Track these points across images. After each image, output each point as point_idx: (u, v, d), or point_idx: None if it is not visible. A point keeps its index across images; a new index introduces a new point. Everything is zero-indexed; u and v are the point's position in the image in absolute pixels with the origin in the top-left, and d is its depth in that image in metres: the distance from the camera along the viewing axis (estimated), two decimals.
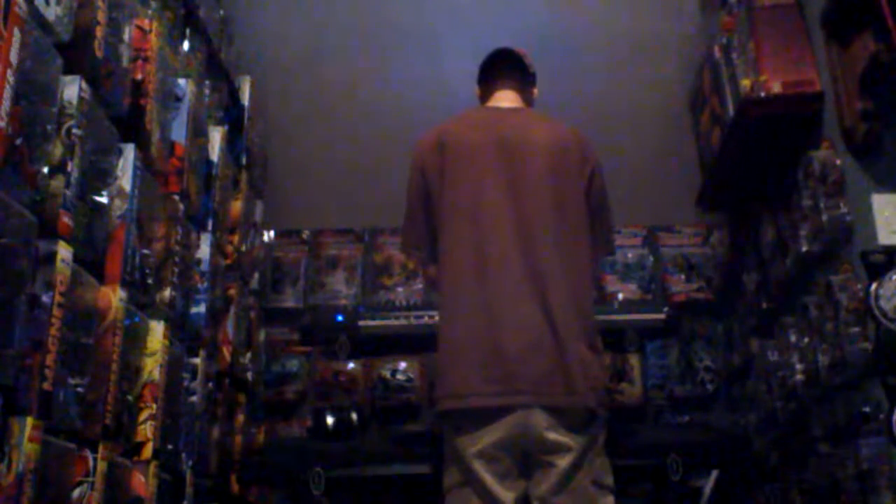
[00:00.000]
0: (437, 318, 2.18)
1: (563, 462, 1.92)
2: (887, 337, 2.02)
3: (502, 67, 2.31)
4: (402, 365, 3.51)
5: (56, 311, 1.45)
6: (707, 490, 2.49)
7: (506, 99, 2.29)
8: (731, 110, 2.74)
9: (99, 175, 1.70)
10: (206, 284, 2.41)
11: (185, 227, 2.24)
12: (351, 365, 3.52)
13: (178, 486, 2.13)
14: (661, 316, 3.03)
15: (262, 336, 3.46)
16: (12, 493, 1.30)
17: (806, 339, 2.53)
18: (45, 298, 1.43)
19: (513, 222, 2.05)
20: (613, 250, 2.40)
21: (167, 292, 2.06)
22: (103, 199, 1.71)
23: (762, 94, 2.48)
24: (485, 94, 2.35)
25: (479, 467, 1.92)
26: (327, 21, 3.42)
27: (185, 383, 2.22)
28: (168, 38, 2.21)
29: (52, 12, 1.50)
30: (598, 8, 3.40)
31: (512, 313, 1.98)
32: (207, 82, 2.67)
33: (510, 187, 2.09)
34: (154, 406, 1.91)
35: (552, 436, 1.91)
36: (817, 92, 2.44)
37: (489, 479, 1.92)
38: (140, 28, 1.96)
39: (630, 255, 3.68)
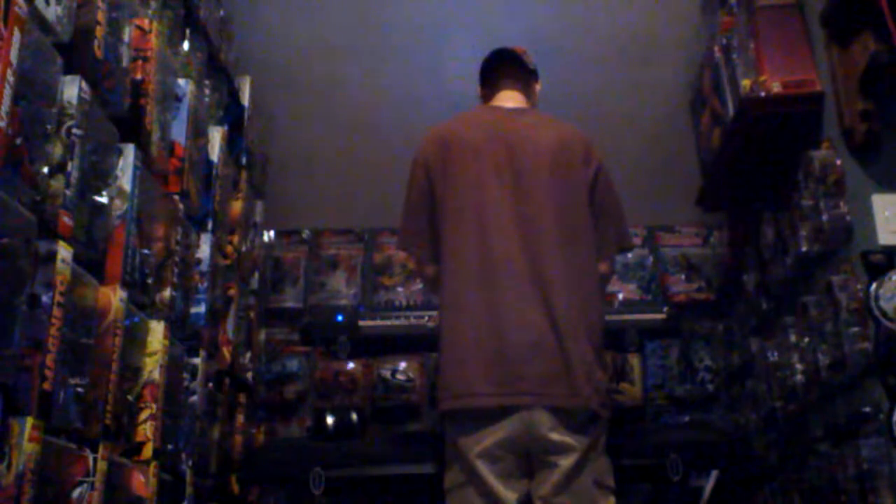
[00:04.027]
0: (437, 318, 2.18)
1: (566, 462, 1.92)
2: (887, 337, 2.02)
3: (503, 67, 2.31)
4: (402, 365, 3.51)
5: (56, 311, 1.45)
6: (707, 490, 2.49)
7: (509, 99, 2.29)
8: (731, 110, 2.74)
9: (99, 175, 1.70)
10: (206, 284, 2.40)
11: (185, 227, 2.24)
12: (351, 365, 3.52)
13: (178, 486, 2.13)
14: (661, 316, 3.04)
15: (262, 336, 3.46)
16: (12, 493, 1.30)
17: (806, 339, 2.53)
18: (45, 298, 1.43)
19: (516, 223, 2.05)
20: (631, 244, 2.36)
21: (167, 292, 2.06)
22: (103, 199, 1.71)
23: (762, 94, 2.49)
24: (487, 95, 2.35)
25: (482, 467, 1.92)
26: (327, 21, 3.42)
27: (185, 383, 2.22)
28: (168, 38, 2.21)
29: (52, 12, 1.50)
30: (598, 8, 3.40)
31: (515, 314, 1.97)
32: (207, 82, 2.67)
33: (514, 188, 2.09)
34: (154, 406, 1.91)
35: (555, 436, 1.91)
36: (817, 92, 2.44)
37: (492, 478, 1.92)
38: (140, 28, 1.96)
39: (630, 255, 3.68)
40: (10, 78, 1.31)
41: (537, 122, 2.24)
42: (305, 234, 3.80)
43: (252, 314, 3.19)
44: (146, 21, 1.99)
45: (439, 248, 2.13)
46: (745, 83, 2.55)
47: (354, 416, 2.78)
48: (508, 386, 1.93)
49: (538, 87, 2.37)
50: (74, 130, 1.55)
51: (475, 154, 2.14)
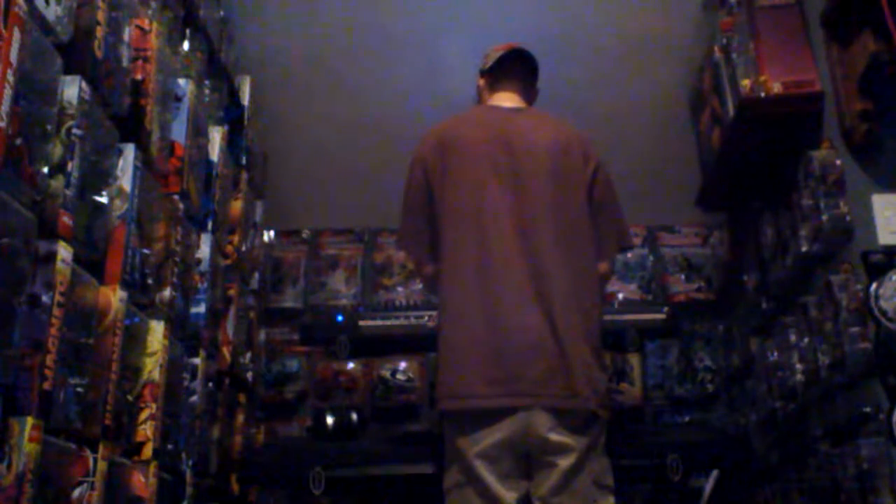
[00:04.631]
0: (437, 317, 2.18)
1: (565, 462, 1.92)
2: (887, 337, 2.02)
3: (513, 68, 2.31)
4: (402, 365, 3.51)
5: (56, 311, 1.45)
6: (707, 490, 2.49)
7: (508, 99, 2.29)
8: (731, 110, 2.73)
9: (99, 175, 1.70)
10: (206, 284, 2.40)
11: (185, 227, 2.24)
12: (351, 365, 3.53)
13: (178, 486, 2.13)
14: (661, 316, 3.03)
15: (262, 336, 3.46)
16: (12, 493, 1.30)
17: (806, 339, 2.53)
18: (45, 298, 1.43)
19: (514, 223, 2.05)
20: (630, 242, 2.37)
21: (167, 292, 2.06)
22: (103, 199, 1.71)
23: (762, 94, 2.48)
24: (488, 90, 2.33)
25: (481, 468, 1.92)
26: (327, 21, 3.42)
27: (185, 383, 2.22)
28: (168, 38, 2.21)
29: (52, 12, 1.50)
30: (598, 8, 3.40)
31: (514, 315, 1.98)
32: (207, 82, 2.67)
33: (512, 188, 2.09)
34: (154, 406, 1.90)
35: (554, 437, 1.92)
36: (817, 92, 2.44)
37: (491, 479, 1.92)
38: (140, 28, 1.96)
39: (630, 255, 3.68)
40: (10, 78, 1.31)
41: (536, 121, 2.24)
42: (305, 234, 3.80)
43: (252, 314, 3.19)
44: (146, 21, 1.98)
45: (438, 248, 2.13)
46: (745, 83, 2.55)
47: (354, 416, 2.78)
48: (507, 386, 1.93)
49: (537, 87, 2.38)
50: (74, 130, 1.55)
51: (474, 154, 2.14)
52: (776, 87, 2.46)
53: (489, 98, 2.32)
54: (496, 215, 2.07)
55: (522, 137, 2.16)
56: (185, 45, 2.48)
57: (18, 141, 1.36)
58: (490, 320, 1.98)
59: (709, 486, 2.50)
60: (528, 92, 2.33)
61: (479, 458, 1.92)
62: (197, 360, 2.31)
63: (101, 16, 1.68)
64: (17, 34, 1.33)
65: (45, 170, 1.47)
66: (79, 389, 1.54)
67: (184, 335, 2.23)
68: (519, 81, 2.31)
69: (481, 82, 2.36)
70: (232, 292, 2.82)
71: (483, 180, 2.10)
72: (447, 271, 2.09)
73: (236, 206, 2.95)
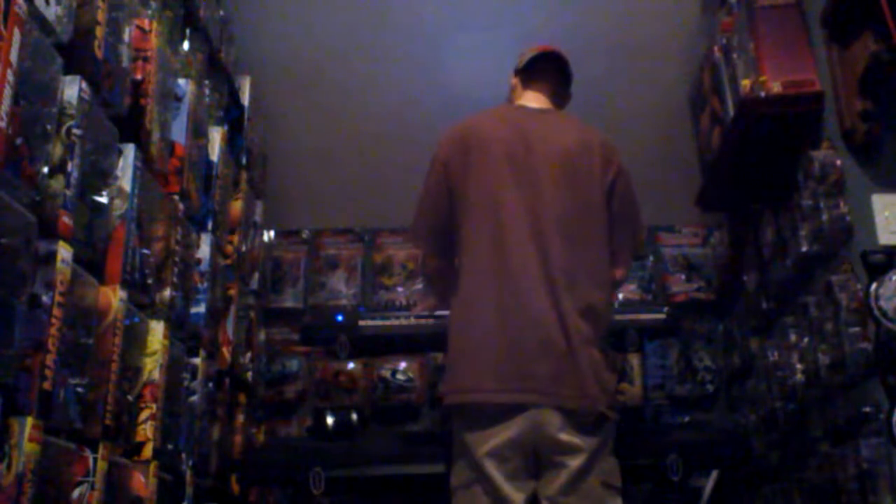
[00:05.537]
0: (449, 311, 2.17)
1: (575, 463, 1.91)
2: (887, 337, 2.02)
3: (544, 70, 2.30)
4: (402, 365, 3.51)
5: (56, 311, 1.45)
6: (707, 490, 2.49)
7: (536, 100, 2.28)
8: (731, 110, 2.74)
9: (99, 175, 1.70)
10: (206, 284, 2.41)
11: (185, 227, 2.24)
12: (351, 365, 3.52)
13: (178, 486, 2.13)
14: (661, 316, 3.03)
15: (262, 336, 3.47)
16: (12, 493, 1.30)
17: (806, 339, 2.53)
18: (45, 298, 1.43)
19: (530, 223, 2.05)
20: (642, 251, 2.38)
21: (167, 292, 2.06)
22: (103, 199, 1.71)
23: (762, 94, 2.48)
24: (520, 88, 2.33)
25: (490, 466, 1.92)
26: (327, 21, 3.42)
27: (185, 383, 2.22)
28: (168, 38, 2.21)
29: (52, 12, 1.50)
30: (598, 8, 3.40)
31: (526, 314, 1.98)
32: (207, 82, 2.67)
33: (529, 188, 2.09)
34: (154, 406, 1.91)
35: (564, 436, 1.91)
36: (817, 92, 2.44)
37: (499, 478, 1.91)
38: (140, 28, 1.96)
39: None
40: (10, 78, 1.31)
41: (559, 123, 2.24)
42: (305, 234, 3.81)
43: (252, 314, 3.19)
44: (146, 21, 1.99)
45: (455, 244, 2.14)
46: (745, 83, 2.55)
47: (354, 416, 2.78)
48: (517, 383, 1.92)
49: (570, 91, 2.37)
50: (74, 130, 1.55)
51: (494, 153, 2.14)
52: (776, 87, 2.46)
53: (519, 97, 2.32)
54: (513, 215, 2.06)
55: (542, 139, 2.16)
56: (185, 45, 2.48)
57: (18, 141, 1.36)
58: (502, 318, 1.98)
59: (709, 486, 2.50)
60: (558, 94, 2.32)
61: (489, 457, 1.92)
62: (197, 360, 2.32)
63: (101, 16, 1.69)
64: (17, 34, 1.33)
65: (45, 170, 1.47)
66: (79, 389, 1.54)
67: (184, 335, 2.23)
68: (549, 83, 2.30)
69: (514, 81, 2.35)
70: (232, 292, 2.82)
71: (503, 180, 2.10)
72: (463, 269, 2.09)
73: (236, 206, 2.95)
